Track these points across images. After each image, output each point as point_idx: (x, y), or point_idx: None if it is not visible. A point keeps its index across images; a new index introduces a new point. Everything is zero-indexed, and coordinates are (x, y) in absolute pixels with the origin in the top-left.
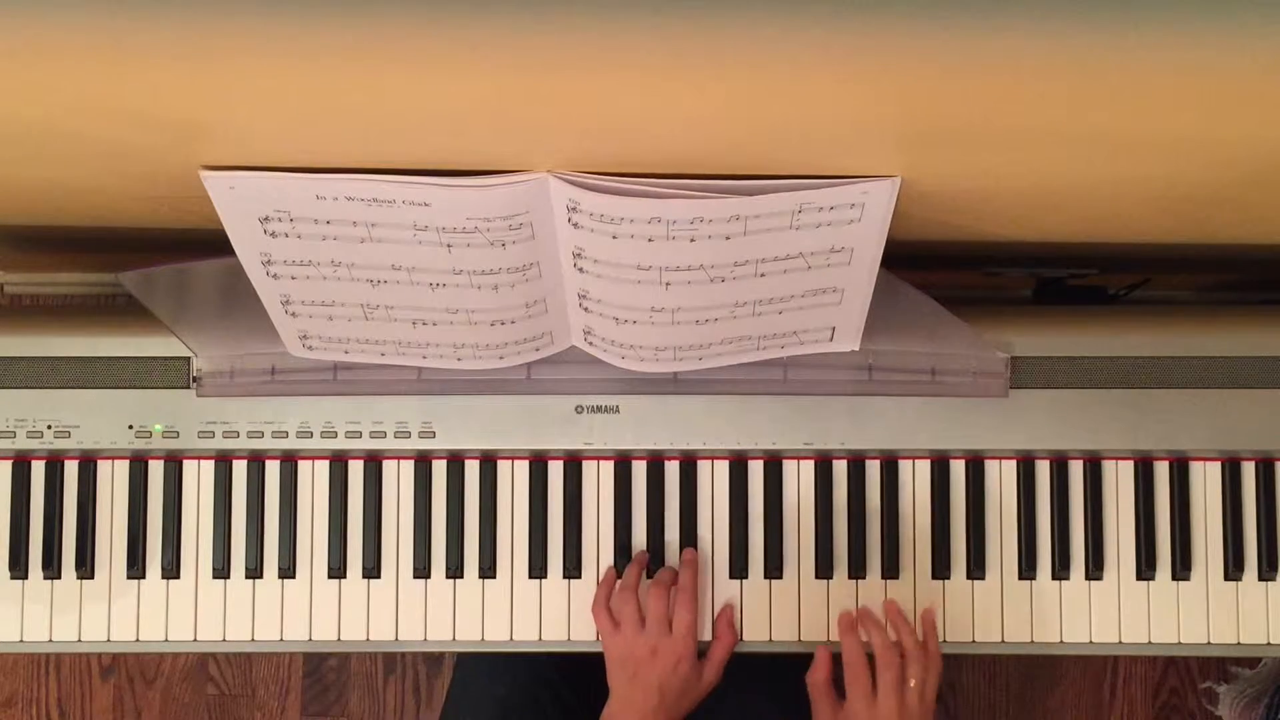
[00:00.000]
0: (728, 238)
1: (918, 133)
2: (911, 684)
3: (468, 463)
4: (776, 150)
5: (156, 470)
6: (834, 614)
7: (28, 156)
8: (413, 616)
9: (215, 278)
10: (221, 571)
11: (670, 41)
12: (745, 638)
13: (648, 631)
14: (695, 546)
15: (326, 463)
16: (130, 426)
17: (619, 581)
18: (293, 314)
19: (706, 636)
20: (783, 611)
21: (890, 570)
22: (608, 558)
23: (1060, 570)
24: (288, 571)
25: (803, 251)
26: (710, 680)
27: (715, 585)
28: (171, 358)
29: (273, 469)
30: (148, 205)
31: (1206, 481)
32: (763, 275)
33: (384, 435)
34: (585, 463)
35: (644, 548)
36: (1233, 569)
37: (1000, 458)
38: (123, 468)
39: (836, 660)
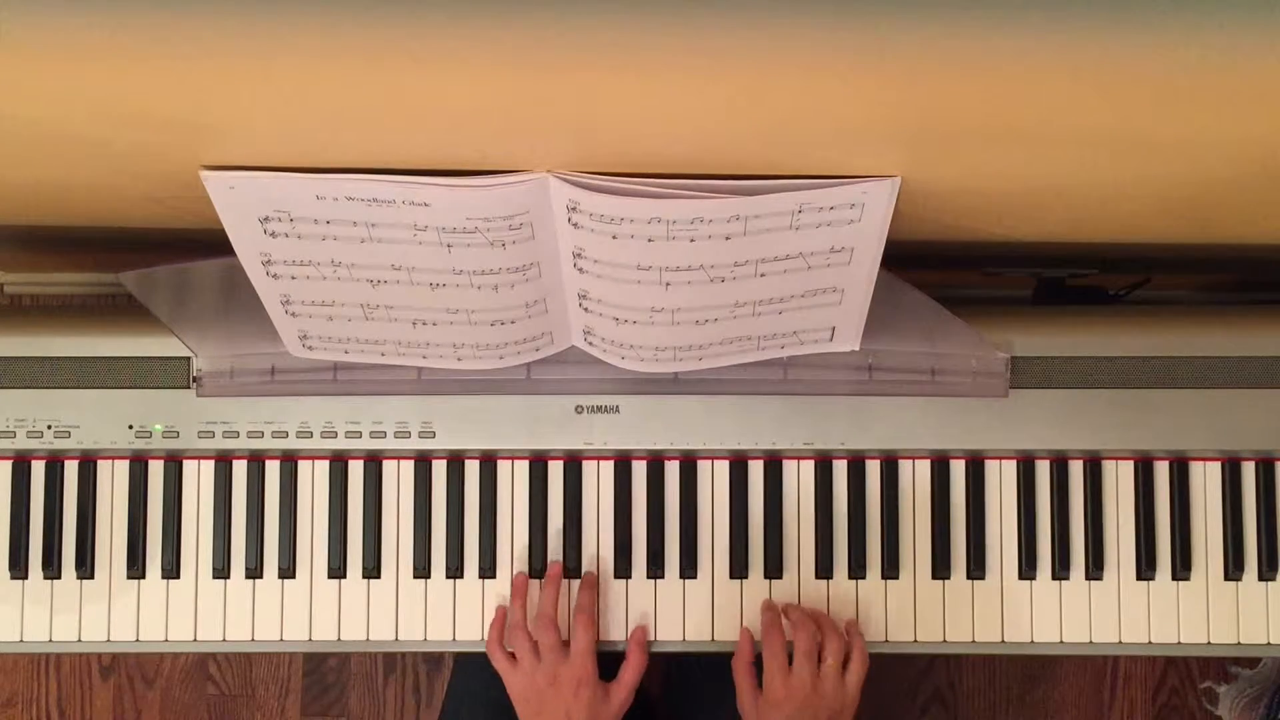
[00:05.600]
0: (728, 238)
1: (917, 133)
2: (829, 661)
3: (468, 463)
4: (776, 150)
5: (156, 470)
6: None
7: (29, 156)
8: (413, 616)
9: (215, 278)
10: (221, 571)
11: (670, 41)
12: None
13: (544, 660)
14: (695, 547)
15: (326, 463)
16: (130, 426)
17: (508, 619)
18: (293, 314)
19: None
20: None
21: (890, 570)
22: (608, 557)
23: (1060, 570)
24: (288, 571)
25: (803, 251)
26: (620, 702)
27: (715, 586)
28: (171, 358)
29: (273, 469)
30: (148, 205)
31: (1206, 481)
32: (763, 275)
33: (384, 435)
34: (585, 463)
35: (644, 548)
36: (1233, 569)
37: (1000, 458)
38: (123, 468)
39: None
